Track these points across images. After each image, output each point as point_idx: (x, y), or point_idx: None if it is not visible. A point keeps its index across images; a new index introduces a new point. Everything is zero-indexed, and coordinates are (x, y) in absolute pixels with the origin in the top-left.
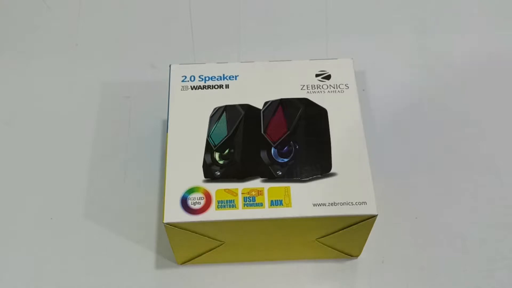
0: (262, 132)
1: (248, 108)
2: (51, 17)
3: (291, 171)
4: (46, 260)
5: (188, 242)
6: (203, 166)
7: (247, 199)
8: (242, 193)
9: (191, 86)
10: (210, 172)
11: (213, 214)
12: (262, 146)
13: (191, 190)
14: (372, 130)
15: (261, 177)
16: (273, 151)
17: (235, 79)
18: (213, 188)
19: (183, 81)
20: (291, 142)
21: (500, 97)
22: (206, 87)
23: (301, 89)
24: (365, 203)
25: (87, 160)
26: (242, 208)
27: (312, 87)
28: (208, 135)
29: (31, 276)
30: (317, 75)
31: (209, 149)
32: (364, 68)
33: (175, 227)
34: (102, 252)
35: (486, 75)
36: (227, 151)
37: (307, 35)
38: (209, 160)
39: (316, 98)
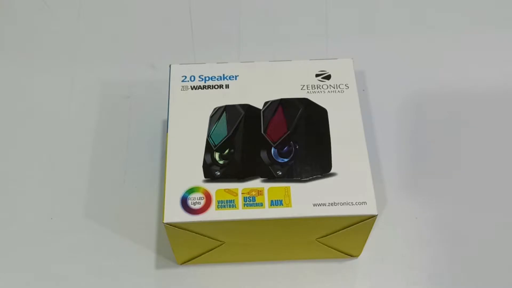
0: (262, 132)
1: (248, 108)
2: (51, 17)
3: (291, 171)
4: (46, 260)
5: (188, 242)
6: (203, 166)
7: (247, 199)
8: (242, 193)
9: (191, 86)
10: (210, 172)
11: (213, 214)
12: (262, 146)
13: (191, 190)
14: (372, 130)
15: (261, 177)
16: (273, 151)
17: (235, 79)
18: (213, 188)
19: (183, 81)
20: (291, 142)
21: (500, 97)
22: (206, 87)
23: (301, 89)
24: (365, 203)
25: (87, 160)
26: (242, 208)
27: (312, 87)
28: (208, 135)
29: (31, 276)
30: (317, 75)
31: (209, 149)
32: (364, 68)
33: (175, 227)
34: (102, 252)
35: (486, 75)
36: (227, 151)
37: (307, 35)
38: (209, 160)
39: (316, 98)
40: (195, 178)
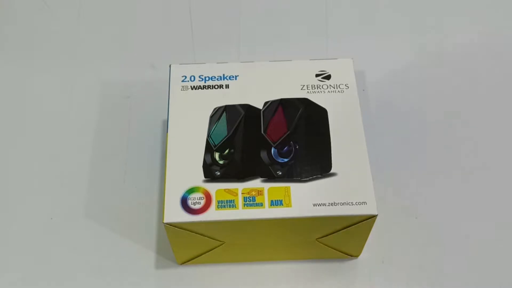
0: (262, 132)
1: (248, 108)
2: (51, 17)
3: (291, 171)
4: (46, 260)
5: (188, 242)
6: (203, 166)
7: (247, 199)
8: (242, 193)
9: (191, 86)
10: (210, 172)
11: (213, 214)
12: (262, 146)
13: (191, 190)
14: (372, 130)
15: (261, 177)
16: (273, 151)
17: (235, 79)
18: (213, 188)
19: (183, 81)
20: (291, 142)
21: (500, 97)
22: (206, 87)
23: (301, 89)
24: (365, 203)
25: (87, 160)
26: (242, 208)
27: (312, 87)
28: (208, 135)
29: (31, 276)
30: (317, 75)
31: (209, 149)
32: (364, 68)
33: (175, 227)
34: (102, 252)
35: (486, 75)
36: (227, 151)
37: (307, 35)
38: (209, 160)
39: (316, 98)
40: (195, 178)
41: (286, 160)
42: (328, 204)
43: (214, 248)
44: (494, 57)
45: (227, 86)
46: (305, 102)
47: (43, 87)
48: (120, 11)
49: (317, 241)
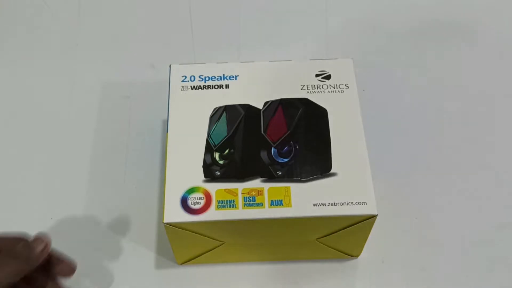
0: (262, 132)
1: (248, 108)
2: (51, 17)
3: (291, 171)
4: None
5: (188, 242)
6: (203, 166)
7: (247, 199)
8: (242, 193)
9: (191, 86)
10: (210, 172)
11: (213, 214)
12: (262, 146)
13: (191, 190)
14: (372, 130)
15: (261, 177)
16: (273, 151)
17: (235, 79)
18: (213, 188)
19: (183, 81)
20: (291, 142)
21: (499, 98)
22: (206, 87)
23: (301, 89)
24: (365, 203)
25: (87, 160)
26: (242, 208)
27: (312, 87)
28: (208, 135)
29: None
30: (317, 75)
31: (209, 149)
32: (364, 68)
33: (175, 227)
34: (102, 252)
35: (486, 76)
36: (227, 151)
37: (307, 35)
38: (209, 160)
39: (316, 98)
40: (195, 178)
41: (286, 160)
42: (328, 204)
43: (214, 248)
44: (494, 57)
45: (227, 86)
46: (305, 102)
47: (43, 87)
48: (120, 11)
49: (317, 241)
